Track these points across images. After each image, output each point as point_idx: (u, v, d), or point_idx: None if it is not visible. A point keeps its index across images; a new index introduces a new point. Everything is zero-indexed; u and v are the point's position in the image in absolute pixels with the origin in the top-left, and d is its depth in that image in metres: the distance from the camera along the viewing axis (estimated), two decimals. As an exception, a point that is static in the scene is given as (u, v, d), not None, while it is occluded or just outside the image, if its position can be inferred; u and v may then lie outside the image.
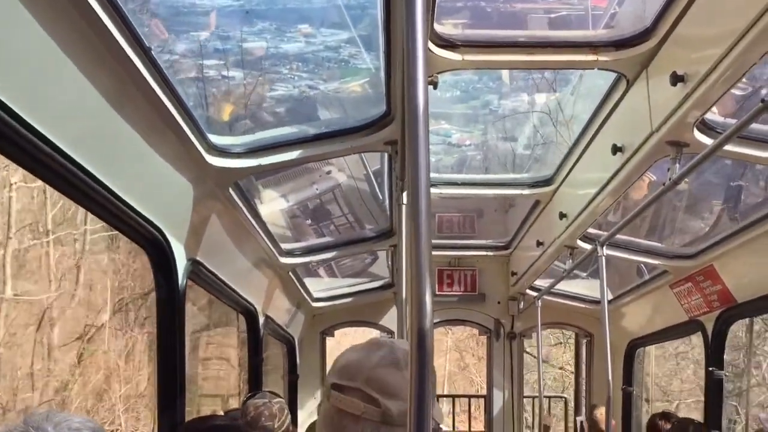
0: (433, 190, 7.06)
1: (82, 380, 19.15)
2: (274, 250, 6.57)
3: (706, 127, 4.21)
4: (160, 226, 4.10)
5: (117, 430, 19.32)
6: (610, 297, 8.45)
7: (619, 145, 4.83)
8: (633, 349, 8.84)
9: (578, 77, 5.85)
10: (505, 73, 6.29)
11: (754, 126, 4.00)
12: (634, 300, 8.22)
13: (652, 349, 20.55)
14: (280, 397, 5.14)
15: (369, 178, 7.59)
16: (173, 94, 3.56)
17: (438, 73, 4.49)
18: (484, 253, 9.52)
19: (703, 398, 6.98)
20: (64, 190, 3.36)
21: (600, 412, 8.10)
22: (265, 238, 6.18)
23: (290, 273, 7.52)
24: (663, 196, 4.76)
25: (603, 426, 7.81)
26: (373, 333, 10.87)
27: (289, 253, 7.08)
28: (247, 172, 4.78)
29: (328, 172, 7.35)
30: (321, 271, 9.66)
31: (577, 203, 6.03)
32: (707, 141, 4.19)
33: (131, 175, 3.70)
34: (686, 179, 5.52)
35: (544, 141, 6.92)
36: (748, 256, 5.80)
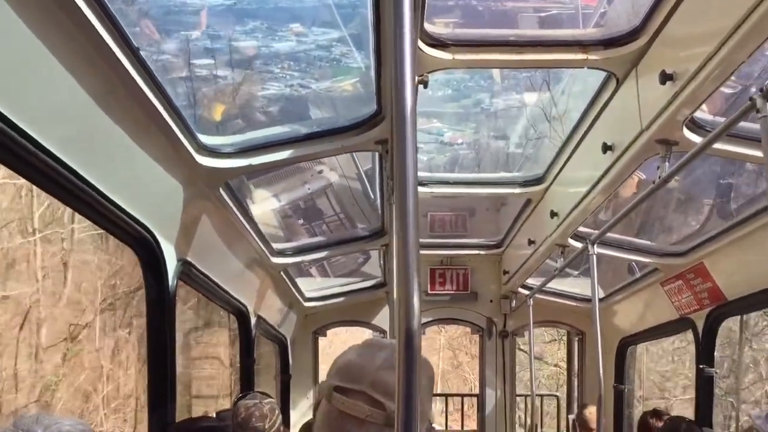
0: (424, 189, 7.10)
1: (66, 381, 19.01)
2: (265, 250, 6.56)
3: (696, 126, 4.23)
4: (150, 227, 4.09)
5: (101, 432, 19.24)
6: (602, 295, 8.48)
7: (609, 143, 4.85)
8: (624, 347, 8.86)
9: (570, 76, 5.86)
10: (496, 72, 6.29)
11: (744, 124, 4.02)
12: (626, 298, 8.25)
13: (647, 346, 20.61)
14: (271, 398, 5.13)
15: (361, 178, 7.59)
16: (162, 95, 3.55)
17: (428, 72, 4.48)
18: (476, 252, 9.53)
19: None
20: (52, 191, 3.34)
21: (589, 411, 8.12)
22: (257, 238, 6.16)
23: (282, 273, 7.51)
24: (653, 194, 4.77)
25: (592, 425, 7.83)
26: (366, 332, 10.88)
27: (281, 253, 7.06)
28: (238, 172, 4.76)
29: (320, 172, 7.34)
30: (313, 271, 9.66)
31: (568, 202, 6.04)
32: (696, 139, 4.21)
33: (120, 175, 3.68)
34: (676, 177, 5.54)
35: (537, 137, 6.93)
36: (738, 253, 5.83)
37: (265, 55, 5.30)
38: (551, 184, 6.67)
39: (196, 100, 5.03)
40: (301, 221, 8.00)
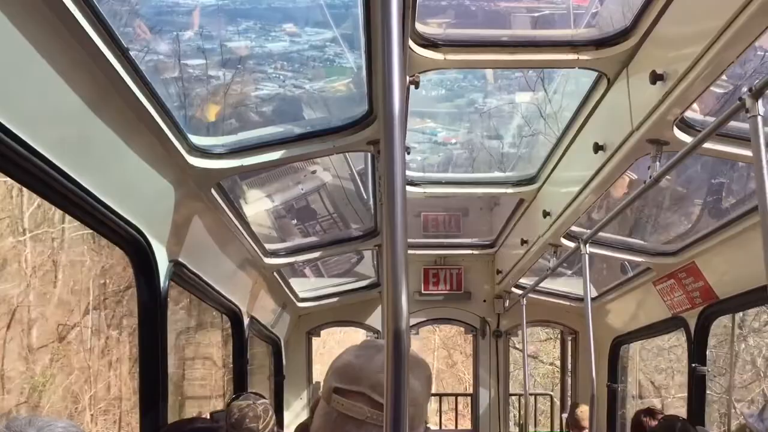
0: (417, 189, 7.11)
1: (54, 382, 18.90)
2: (258, 250, 6.55)
3: (686, 125, 4.24)
4: (141, 228, 4.08)
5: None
6: (595, 294, 8.50)
7: (600, 143, 4.86)
8: (617, 345, 8.89)
9: (563, 75, 5.87)
10: (489, 72, 6.31)
11: (734, 124, 4.03)
12: (619, 297, 8.27)
13: (642, 344, 20.61)
14: (265, 399, 5.14)
15: (354, 178, 7.60)
16: (152, 95, 3.54)
17: (420, 72, 4.49)
18: (469, 251, 9.55)
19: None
20: (43, 193, 3.33)
21: (581, 410, 8.13)
22: (249, 239, 6.16)
23: (275, 273, 7.50)
24: (644, 193, 4.79)
25: (584, 423, 7.85)
26: (360, 332, 10.88)
27: (274, 254, 7.06)
28: (229, 173, 4.76)
29: (314, 172, 7.34)
30: (307, 271, 9.66)
31: (561, 201, 6.05)
32: (687, 139, 4.22)
33: (111, 177, 3.67)
34: (668, 176, 5.56)
35: (531, 136, 6.94)
36: (729, 252, 5.85)
37: (257, 55, 5.29)
38: (544, 183, 6.69)
39: (188, 100, 5.02)
40: (294, 222, 8.00)
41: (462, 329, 11.30)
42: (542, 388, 25.42)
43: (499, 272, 9.33)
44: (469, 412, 11.19)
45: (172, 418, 4.60)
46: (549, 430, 11.90)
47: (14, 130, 2.75)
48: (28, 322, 18.73)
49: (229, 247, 5.97)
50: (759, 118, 3.20)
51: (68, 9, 2.70)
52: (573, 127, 5.49)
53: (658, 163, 4.39)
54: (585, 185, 5.35)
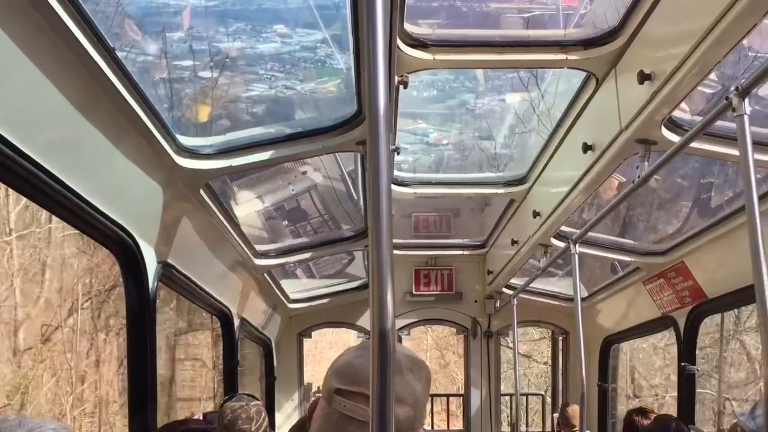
0: (408, 190, 7.11)
1: (36, 383, 18.75)
2: (248, 251, 6.53)
3: (674, 125, 4.26)
4: (129, 229, 4.06)
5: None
6: (585, 294, 8.52)
7: (589, 143, 4.87)
8: (608, 345, 8.91)
9: (554, 75, 5.88)
10: (480, 72, 6.31)
11: (722, 124, 4.05)
12: (609, 297, 8.30)
13: (638, 343, 20.65)
14: (258, 400, 5.13)
15: (344, 179, 7.59)
16: (140, 96, 3.52)
17: (409, 72, 4.49)
18: (460, 252, 9.55)
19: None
20: (30, 195, 3.31)
21: (572, 409, 8.15)
22: (239, 240, 6.14)
23: (266, 275, 7.48)
24: (633, 193, 4.80)
25: (575, 421, 7.86)
26: (351, 333, 10.87)
27: (264, 255, 7.04)
28: (218, 173, 4.74)
29: (304, 173, 7.33)
30: (299, 272, 9.64)
31: (551, 201, 6.06)
32: (675, 138, 4.23)
33: (99, 178, 3.66)
34: (657, 176, 5.58)
35: (523, 133, 6.95)
36: (718, 252, 5.88)
37: (247, 56, 5.29)
38: (534, 184, 6.70)
39: (177, 101, 5.01)
40: (285, 222, 7.99)
41: (454, 329, 11.31)
42: (536, 387, 25.44)
43: (490, 272, 9.34)
44: (461, 412, 11.19)
45: (161, 419, 4.58)
46: (541, 429, 11.92)
47: (0, 132, 2.73)
48: (14, 323, 18.59)
49: (219, 248, 5.95)
50: (745, 118, 3.21)
51: (54, 9, 2.68)
52: (562, 128, 5.51)
53: (646, 162, 4.40)
54: (574, 185, 5.36)
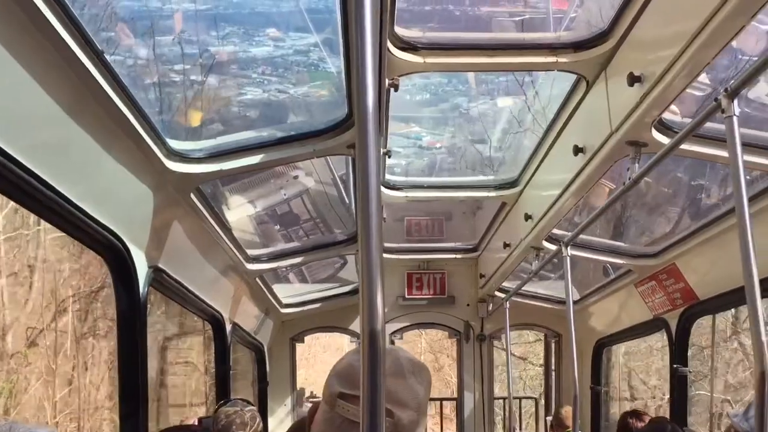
0: (399, 193, 7.11)
1: (19, 388, 18.55)
2: (240, 256, 6.51)
3: (664, 127, 4.27)
4: (119, 234, 4.04)
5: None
6: (577, 297, 8.53)
7: (580, 145, 4.88)
8: (600, 348, 8.93)
9: (546, 78, 5.88)
10: (472, 75, 6.32)
11: (712, 126, 4.06)
12: (601, 299, 8.31)
13: (633, 344, 20.63)
14: (253, 406, 5.13)
15: (336, 183, 7.58)
16: (129, 99, 3.51)
17: (399, 75, 4.49)
18: (452, 255, 9.55)
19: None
20: (17, 198, 3.29)
21: (565, 410, 8.16)
22: (231, 245, 6.12)
23: (257, 279, 7.46)
24: (624, 195, 4.81)
25: (568, 422, 7.87)
26: (345, 337, 10.85)
27: (256, 259, 7.02)
28: (208, 177, 4.72)
29: (296, 177, 7.32)
30: (291, 277, 9.62)
31: (542, 204, 6.07)
32: (665, 140, 4.25)
33: (88, 182, 3.63)
34: (647, 179, 5.59)
35: (516, 133, 6.95)
36: (709, 253, 5.90)
37: (239, 59, 5.27)
38: (525, 187, 6.71)
39: (167, 104, 4.99)
40: (277, 227, 7.97)
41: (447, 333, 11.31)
42: (531, 390, 25.41)
43: (482, 276, 9.34)
44: (455, 416, 11.18)
45: (151, 426, 4.55)
46: None
47: None
48: (2, 327, 18.44)
49: (211, 253, 5.92)
50: (734, 119, 3.22)
51: (40, 11, 2.67)
52: (553, 130, 5.52)
53: (637, 164, 4.41)
54: (565, 188, 5.37)
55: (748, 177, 3.98)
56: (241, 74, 5.41)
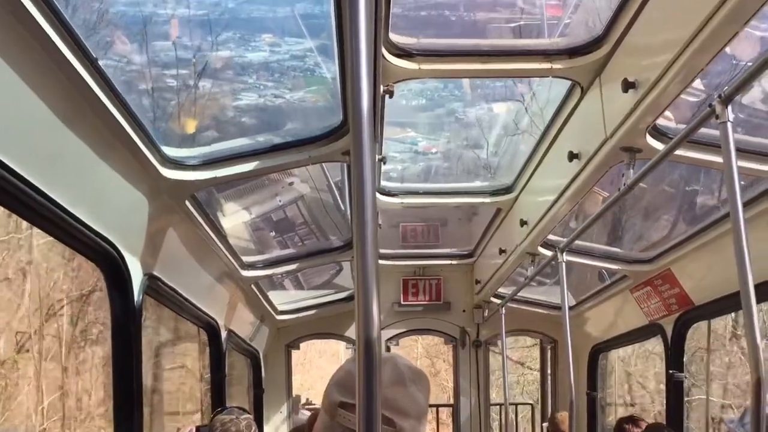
0: (395, 200, 7.11)
1: (5, 395, 18.40)
2: (235, 263, 6.50)
3: (658, 133, 4.29)
4: (114, 241, 4.02)
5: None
6: (573, 303, 8.53)
7: (575, 151, 4.89)
8: (596, 353, 8.92)
9: (541, 83, 5.90)
10: (467, 80, 6.33)
11: (706, 131, 4.08)
12: (597, 305, 8.31)
13: (632, 348, 20.60)
14: (249, 414, 5.11)
15: (331, 189, 7.57)
16: (123, 106, 3.50)
17: (395, 82, 4.50)
18: (448, 261, 9.55)
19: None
20: (11, 207, 3.27)
21: (561, 415, 8.15)
22: (226, 252, 6.11)
23: (253, 286, 7.44)
24: (619, 201, 4.82)
25: (564, 427, 7.85)
26: (341, 343, 10.83)
27: (251, 266, 7.01)
28: (203, 185, 4.72)
29: (291, 184, 7.31)
30: (287, 283, 9.60)
31: (537, 210, 6.08)
32: (660, 146, 4.26)
33: (82, 190, 3.62)
34: (642, 184, 5.60)
35: (513, 136, 6.96)
36: (704, 259, 5.90)
37: (235, 65, 5.27)
38: (520, 193, 6.72)
39: (162, 111, 4.98)
40: (272, 233, 7.95)
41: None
42: (529, 395, 25.35)
43: (478, 282, 9.34)
44: (452, 422, 11.16)
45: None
46: None
47: None
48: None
49: (206, 260, 5.91)
50: (728, 125, 3.23)
51: (33, 17, 2.66)
52: (548, 136, 5.53)
53: (632, 170, 4.42)
54: (561, 194, 5.38)
55: (742, 182, 4.00)
56: (236, 79, 5.40)
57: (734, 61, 4.57)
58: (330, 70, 5.06)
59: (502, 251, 7.47)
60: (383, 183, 6.95)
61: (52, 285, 18.95)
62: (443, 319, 9.99)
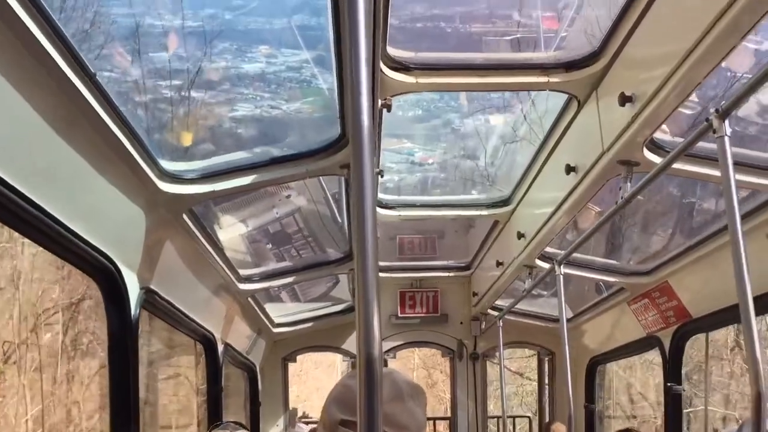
0: (392, 212, 7.11)
1: None
2: (232, 276, 6.47)
3: (655, 146, 4.29)
4: (111, 255, 4.00)
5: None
6: (570, 315, 8.51)
7: (572, 164, 4.90)
8: (594, 366, 8.90)
9: (538, 95, 5.91)
10: (464, 93, 6.34)
11: (703, 145, 4.08)
12: (594, 317, 8.30)
13: (633, 359, 20.54)
14: (245, 428, 5.09)
15: (328, 202, 7.56)
16: (121, 120, 3.49)
17: (392, 96, 4.50)
18: (445, 274, 9.54)
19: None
20: (7, 221, 3.26)
21: (555, 426, 8.11)
22: (223, 265, 6.08)
23: (249, 299, 7.42)
24: (617, 214, 4.82)
25: None
26: (337, 355, 10.80)
27: (248, 279, 6.98)
28: (201, 198, 4.70)
29: (288, 196, 7.30)
30: (283, 296, 9.57)
31: (535, 223, 6.08)
32: (657, 160, 4.27)
33: (80, 204, 3.61)
34: (640, 196, 5.60)
35: (511, 142, 6.96)
36: (701, 271, 5.90)
37: (231, 77, 5.27)
38: (518, 205, 6.72)
39: (159, 124, 4.97)
40: (269, 246, 7.93)
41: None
42: (527, 406, 25.22)
43: (475, 294, 9.32)
44: (449, 434, 11.11)
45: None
46: None
47: None
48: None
49: (203, 273, 5.89)
50: (726, 139, 3.24)
51: (31, 32, 2.66)
52: (545, 149, 5.53)
53: (629, 183, 4.42)
54: (558, 206, 5.38)
55: (739, 195, 4.00)
56: (233, 91, 5.41)
57: (729, 73, 4.59)
58: (326, 80, 5.06)
59: (499, 263, 7.46)
60: (380, 195, 6.95)
61: (40, 293, 18.80)
62: (440, 331, 9.96)
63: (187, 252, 5.26)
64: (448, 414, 11.39)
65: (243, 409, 9.44)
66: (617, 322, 7.87)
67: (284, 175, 4.95)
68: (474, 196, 7.29)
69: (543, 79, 4.47)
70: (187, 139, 5.25)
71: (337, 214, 7.43)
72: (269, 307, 8.66)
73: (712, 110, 3.41)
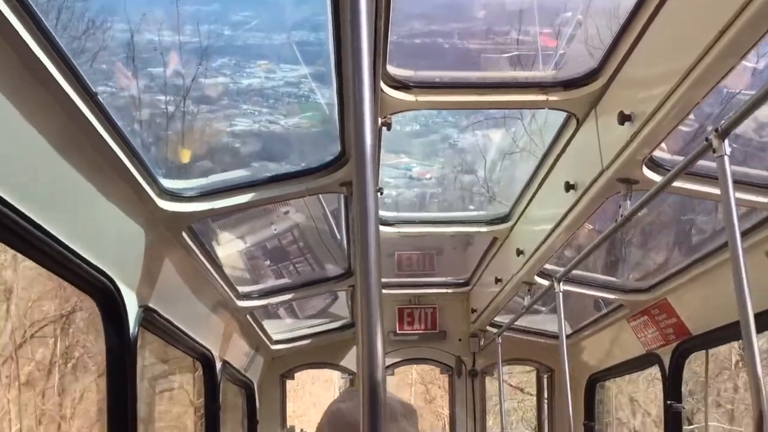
0: (391, 229, 7.10)
1: None
2: (231, 293, 6.46)
3: (655, 165, 4.30)
4: (110, 274, 3.99)
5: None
6: (569, 331, 8.49)
7: (572, 182, 4.91)
8: (593, 383, 8.86)
9: (536, 112, 5.92)
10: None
11: (702, 163, 4.09)
12: (593, 334, 8.27)
13: (635, 374, 20.48)
14: None
15: (327, 219, 7.56)
16: (121, 138, 3.49)
17: (391, 114, 4.52)
18: (444, 290, 9.51)
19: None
20: (7, 240, 3.24)
21: None
22: (222, 282, 6.07)
23: (248, 316, 7.39)
24: (616, 232, 4.82)
25: None
26: (335, 372, 10.75)
27: (247, 296, 6.96)
28: (200, 216, 4.70)
29: (286, 213, 7.30)
30: (282, 312, 9.53)
31: (534, 240, 6.07)
32: (656, 178, 4.27)
33: (79, 222, 3.60)
34: (639, 214, 5.61)
35: (510, 155, 6.96)
36: (701, 288, 5.90)
37: (231, 92, 5.29)
38: (516, 222, 6.72)
39: (159, 142, 4.98)
40: (267, 263, 7.92)
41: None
42: (527, 422, 25.09)
43: (473, 311, 9.29)
44: (447, 452, 11.04)
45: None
46: None
47: None
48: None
49: (202, 291, 5.87)
50: (725, 158, 3.24)
51: (34, 53, 2.66)
52: (545, 166, 5.54)
53: (628, 201, 4.43)
54: (557, 224, 5.38)
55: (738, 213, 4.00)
56: (232, 106, 5.42)
57: (726, 90, 4.61)
58: (324, 95, 5.08)
59: (498, 280, 7.45)
60: (380, 212, 6.94)
61: (30, 305, 18.68)
62: (439, 348, 9.92)
63: (186, 269, 5.25)
64: (447, 431, 11.32)
65: (241, 426, 9.39)
66: (616, 339, 7.85)
67: (284, 193, 4.95)
68: (473, 212, 7.30)
69: (542, 97, 4.49)
70: (186, 156, 5.25)
71: (335, 231, 7.42)
72: (267, 324, 8.63)
73: (710, 128, 3.42)
